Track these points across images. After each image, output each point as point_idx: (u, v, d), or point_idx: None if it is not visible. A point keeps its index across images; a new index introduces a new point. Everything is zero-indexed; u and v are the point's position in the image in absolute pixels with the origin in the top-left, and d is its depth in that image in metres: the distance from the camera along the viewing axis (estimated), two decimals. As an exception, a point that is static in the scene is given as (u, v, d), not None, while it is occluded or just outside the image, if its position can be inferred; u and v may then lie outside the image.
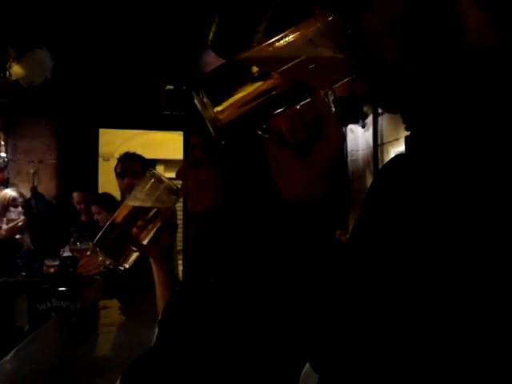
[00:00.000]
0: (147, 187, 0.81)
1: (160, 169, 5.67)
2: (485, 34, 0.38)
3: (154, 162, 5.36)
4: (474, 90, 0.38)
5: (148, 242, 0.82)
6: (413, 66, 0.39)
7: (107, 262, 0.79)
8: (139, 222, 0.79)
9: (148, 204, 0.80)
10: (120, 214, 0.80)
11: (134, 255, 0.80)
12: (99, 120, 3.39)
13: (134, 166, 2.34)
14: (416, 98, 0.41)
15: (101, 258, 0.78)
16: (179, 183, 0.81)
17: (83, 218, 3.01)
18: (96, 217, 2.91)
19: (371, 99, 0.46)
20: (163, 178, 0.83)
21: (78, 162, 3.34)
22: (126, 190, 2.37)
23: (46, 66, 2.72)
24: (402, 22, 0.38)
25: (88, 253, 2.18)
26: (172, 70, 3.31)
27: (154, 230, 0.81)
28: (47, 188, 3.36)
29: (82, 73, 3.16)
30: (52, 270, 2.54)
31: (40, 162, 3.37)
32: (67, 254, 2.32)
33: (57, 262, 2.53)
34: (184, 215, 3.38)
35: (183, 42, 3.26)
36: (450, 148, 0.37)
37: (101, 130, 3.53)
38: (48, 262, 2.55)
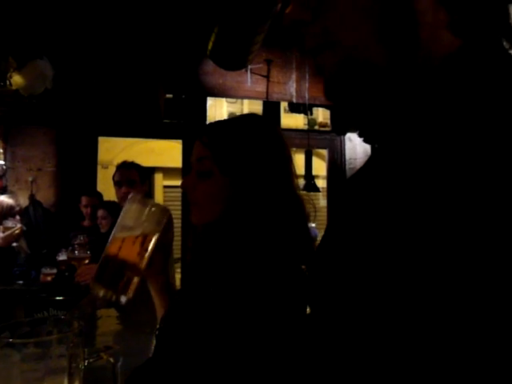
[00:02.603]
0: (132, 214, 0.76)
1: (159, 177, 5.68)
2: (442, 35, 0.38)
3: (153, 170, 5.37)
4: (426, 93, 0.37)
5: (145, 267, 0.78)
6: (376, 59, 0.38)
7: (108, 296, 0.73)
8: (133, 252, 0.74)
9: (138, 232, 0.75)
10: (111, 247, 0.75)
11: (135, 281, 0.75)
12: (98, 128, 3.39)
13: (131, 175, 2.34)
14: (376, 99, 0.40)
15: (102, 294, 0.73)
16: (173, 196, 0.81)
17: (86, 223, 3.01)
18: (100, 220, 2.93)
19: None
20: (147, 201, 0.78)
21: (77, 169, 3.34)
22: (123, 199, 2.38)
23: (46, 76, 2.74)
24: (365, 12, 0.38)
25: (86, 261, 2.16)
26: (172, 79, 3.33)
27: (150, 254, 0.76)
28: (45, 196, 3.36)
29: (82, 81, 3.18)
30: (49, 278, 2.53)
31: (39, 169, 3.37)
32: (63, 257, 2.31)
33: (54, 271, 2.51)
34: (182, 224, 3.37)
35: (183, 52, 3.29)
36: (408, 153, 0.37)
37: (100, 138, 3.54)
38: (45, 271, 2.54)
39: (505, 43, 0.39)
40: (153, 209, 0.77)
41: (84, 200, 3.00)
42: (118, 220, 0.78)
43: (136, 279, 0.75)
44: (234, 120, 0.85)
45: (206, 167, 0.76)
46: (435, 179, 0.33)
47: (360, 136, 0.44)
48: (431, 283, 0.30)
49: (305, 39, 0.41)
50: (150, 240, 0.76)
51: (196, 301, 0.75)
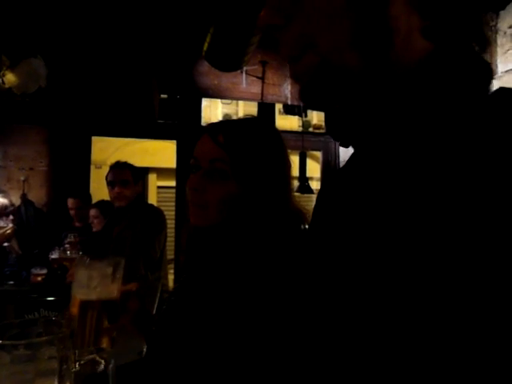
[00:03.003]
0: (82, 280, 0.73)
1: (153, 177, 5.65)
2: (416, 41, 0.38)
3: (146, 171, 5.34)
4: (396, 98, 0.38)
5: (114, 320, 0.75)
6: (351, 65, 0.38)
7: (94, 351, 0.69)
8: (96, 312, 0.72)
9: (94, 296, 0.72)
10: (74, 309, 0.72)
11: (113, 330, 0.74)
12: (92, 128, 3.37)
13: (124, 175, 2.33)
14: (351, 104, 0.41)
15: (88, 354, 0.69)
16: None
17: (77, 223, 3.00)
18: (92, 219, 2.92)
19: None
20: (94, 264, 0.74)
21: (70, 169, 3.32)
22: (115, 199, 2.37)
23: (40, 74, 2.72)
24: (339, 17, 0.38)
25: (78, 262, 2.15)
26: (167, 79, 3.32)
27: (115, 310, 0.74)
28: (37, 195, 3.33)
29: (76, 81, 3.16)
30: (39, 278, 2.50)
31: (31, 169, 3.34)
32: (55, 256, 2.29)
33: (44, 271, 2.49)
34: (176, 225, 3.35)
35: (178, 52, 3.28)
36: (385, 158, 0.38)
37: (94, 138, 3.51)
38: (35, 271, 2.52)
39: (476, 48, 0.39)
40: (102, 271, 0.73)
41: (68, 202, 3.00)
42: (73, 282, 0.75)
43: (111, 332, 0.73)
44: (245, 122, 0.81)
45: (219, 169, 0.73)
46: (407, 181, 0.34)
47: (335, 139, 0.44)
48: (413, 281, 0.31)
49: (280, 45, 0.41)
50: (111, 300, 0.73)
51: (193, 302, 0.74)
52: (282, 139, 0.82)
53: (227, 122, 0.81)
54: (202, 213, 0.75)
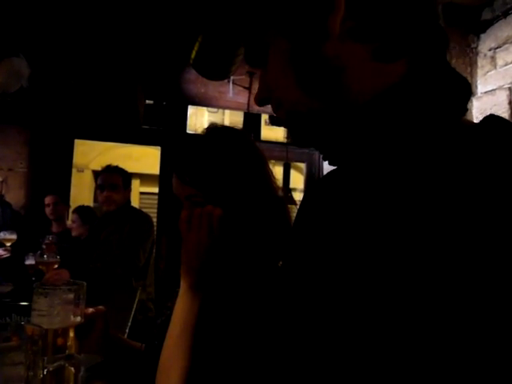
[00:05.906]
0: (42, 308, 0.71)
1: (136, 183, 5.60)
2: (377, 69, 0.39)
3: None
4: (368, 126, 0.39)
5: (80, 339, 0.75)
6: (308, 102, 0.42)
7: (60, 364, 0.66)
8: (59, 339, 0.71)
9: (56, 326, 0.71)
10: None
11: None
12: (75, 130, 3.33)
13: (114, 179, 2.32)
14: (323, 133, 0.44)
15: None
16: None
17: (54, 228, 2.94)
18: (71, 224, 2.87)
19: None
20: (52, 292, 0.72)
21: (51, 171, 3.25)
22: (104, 203, 2.34)
23: (22, 74, 2.68)
24: (289, 60, 0.41)
25: (55, 266, 2.10)
26: (153, 85, 3.31)
27: (81, 331, 0.74)
28: (15, 197, 3.25)
29: (60, 82, 3.12)
30: (8, 243, 2.44)
31: (10, 169, 3.26)
32: (30, 262, 2.24)
33: (14, 236, 2.45)
34: (158, 231, 3.32)
35: (166, 58, 3.28)
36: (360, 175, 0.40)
37: (76, 141, 3.46)
38: (3, 235, 2.47)
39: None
40: (63, 297, 0.72)
41: (46, 199, 2.94)
42: (32, 312, 0.73)
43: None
44: (207, 146, 0.83)
45: (195, 201, 0.79)
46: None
47: (324, 159, 0.47)
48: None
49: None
50: (72, 327, 0.73)
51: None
52: (250, 143, 0.85)
53: (190, 156, 0.83)
54: None
